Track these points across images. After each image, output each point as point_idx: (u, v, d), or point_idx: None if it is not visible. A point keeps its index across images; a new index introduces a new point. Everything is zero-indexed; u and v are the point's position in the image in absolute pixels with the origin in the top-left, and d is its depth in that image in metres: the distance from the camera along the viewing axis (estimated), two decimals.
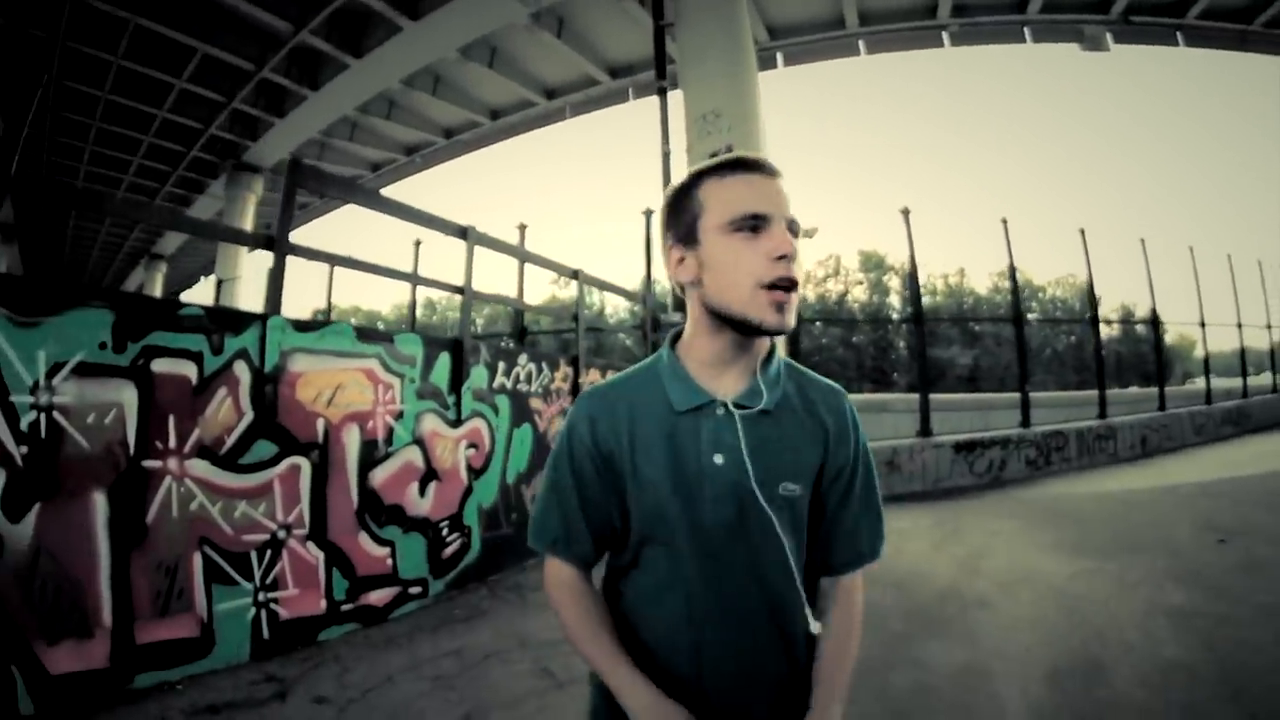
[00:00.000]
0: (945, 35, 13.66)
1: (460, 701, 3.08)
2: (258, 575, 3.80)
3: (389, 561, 4.46)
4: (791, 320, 0.87)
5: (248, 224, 17.93)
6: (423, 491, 4.75)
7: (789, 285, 0.85)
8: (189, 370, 3.70)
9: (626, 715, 0.88)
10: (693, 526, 0.90)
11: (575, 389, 6.62)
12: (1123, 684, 2.87)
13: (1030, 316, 34.33)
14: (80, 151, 17.71)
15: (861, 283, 38.42)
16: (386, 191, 19.85)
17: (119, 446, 3.41)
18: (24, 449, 3.08)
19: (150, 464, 3.50)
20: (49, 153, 16.88)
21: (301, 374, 4.16)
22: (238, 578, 3.72)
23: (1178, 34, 12.98)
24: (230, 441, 3.81)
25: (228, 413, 3.82)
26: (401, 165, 19.42)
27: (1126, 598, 3.98)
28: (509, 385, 5.74)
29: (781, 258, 0.85)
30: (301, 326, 4.23)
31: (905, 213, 9.54)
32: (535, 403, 6.05)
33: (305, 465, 4.11)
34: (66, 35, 11.82)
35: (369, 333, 4.69)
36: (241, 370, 3.89)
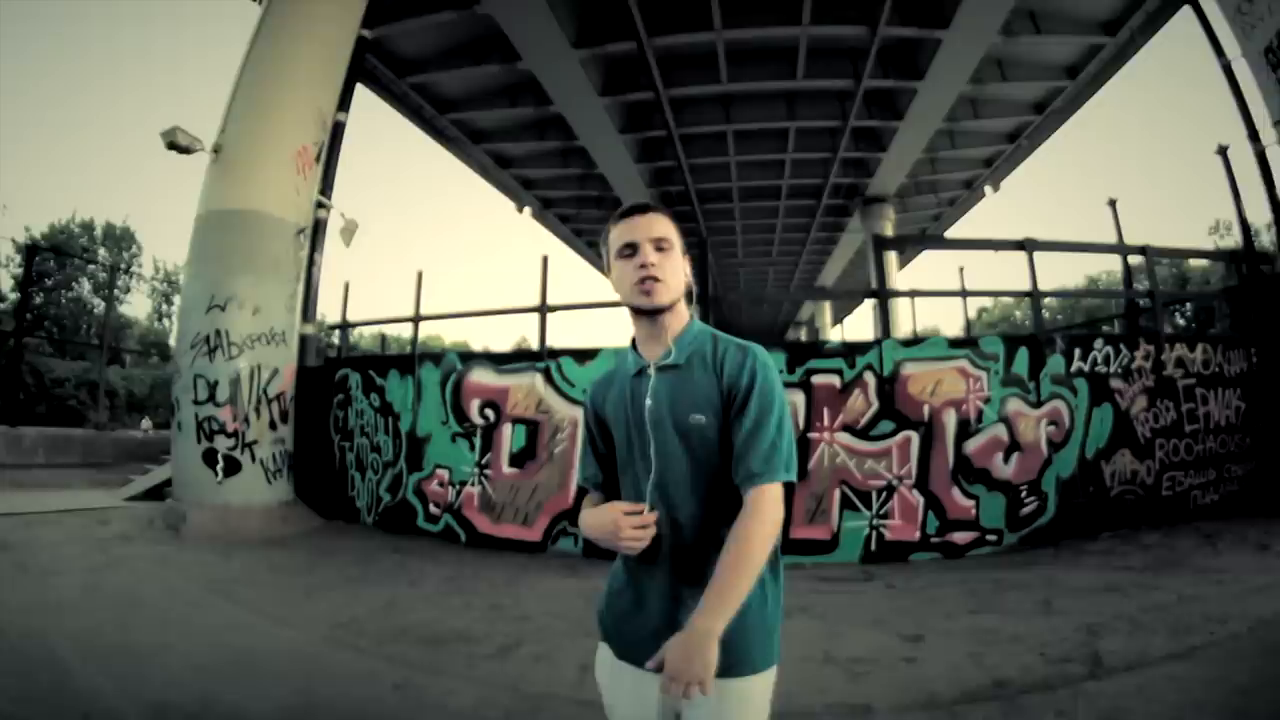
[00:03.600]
0: None
1: (976, 607, 4.36)
2: (874, 507, 5.97)
3: (973, 511, 5.99)
4: (658, 299, 1.37)
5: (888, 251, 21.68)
6: (1006, 459, 6.08)
7: (652, 279, 1.36)
8: (834, 380, 6.26)
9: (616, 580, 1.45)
10: (644, 447, 1.38)
11: (1158, 366, 6.63)
12: None
13: None
14: (732, 229, 25.40)
15: None
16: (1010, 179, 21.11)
17: (794, 427, 6.11)
18: None
19: (812, 435, 6.14)
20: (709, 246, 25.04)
21: (910, 375, 6.22)
22: (861, 507, 5.97)
23: None
24: (863, 421, 6.14)
25: (860, 404, 6.18)
26: (1010, 153, 19.84)
27: None
28: (1085, 369, 6.40)
29: (642, 266, 1.36)
30: (906, 343, 6.43)
31: None
32: (1115, 383, 6.44)
33: (914, 437, 6.10)
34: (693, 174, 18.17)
35: (958, 341, 6.47)
36: (868, 376, 6.22)
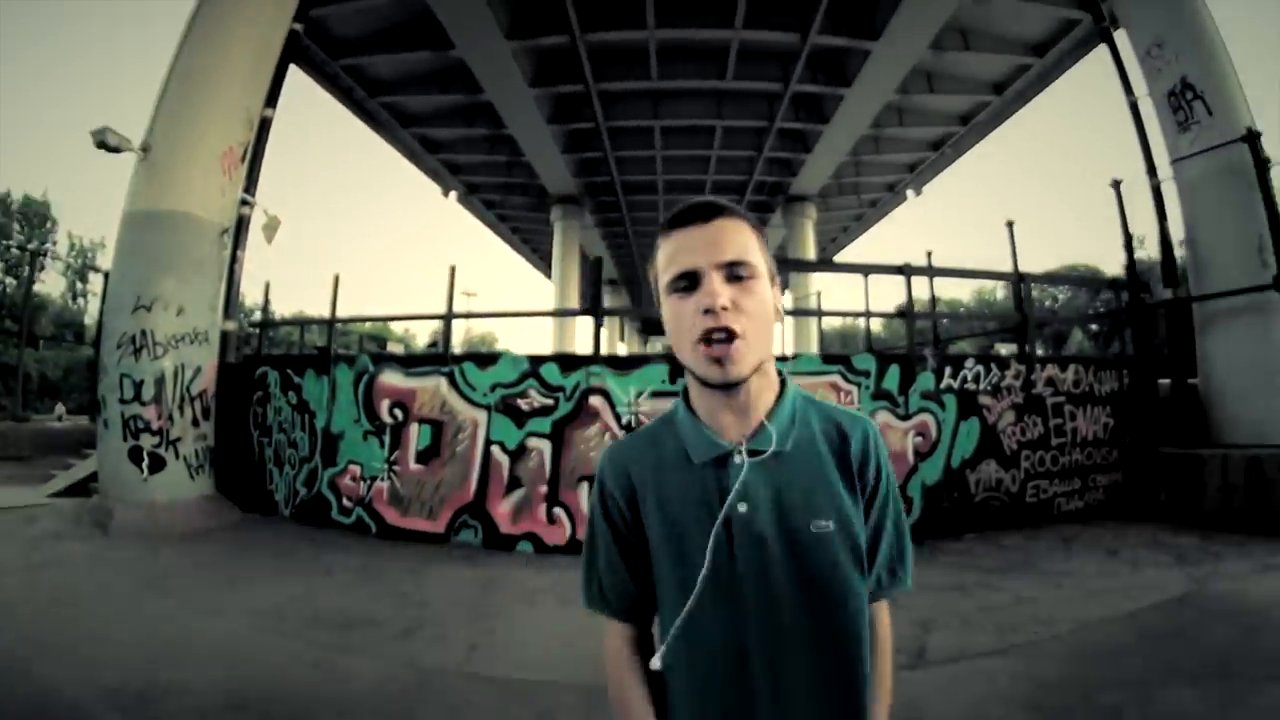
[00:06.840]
0: None
1: None
2: None
3: None
4: (735, 370, 0.92)
5: (809, 247, 23.09)
6: None
7: (721, 337, 0.90)
8: None
9: None
10: (727, 574, 0.95)
11: (1027, 385, 7.64)
12: None
13: None
14: (655, 220, 26.48)
15: None
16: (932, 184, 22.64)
17: None
18: (623, 431, 6.97)
19: None
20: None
21: None
22: None
23: None
24: None
25: None
26: (934, 160, 21.34)
27: None
28: (955, 386, 7.34)
29: (708, 311, 0.91)
30: (780, 359, 7.11)
31: None
32: (984, 399, 7.48)
33: None
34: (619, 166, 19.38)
35: (832, 357, 7.31)
36: None
